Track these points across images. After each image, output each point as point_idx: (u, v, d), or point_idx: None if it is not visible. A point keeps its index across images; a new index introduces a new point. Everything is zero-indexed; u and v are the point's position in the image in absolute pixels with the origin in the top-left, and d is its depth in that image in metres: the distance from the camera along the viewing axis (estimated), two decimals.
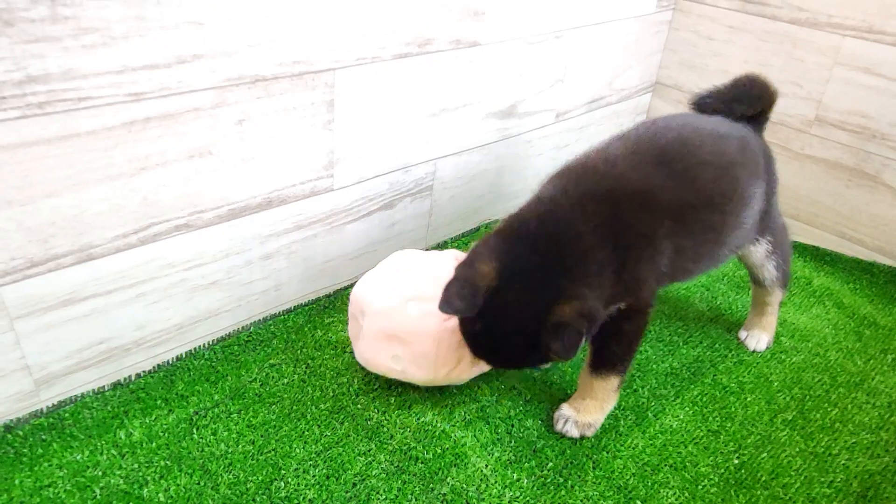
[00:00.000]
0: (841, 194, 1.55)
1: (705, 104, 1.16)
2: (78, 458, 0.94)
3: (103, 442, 0.96)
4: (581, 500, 0.94)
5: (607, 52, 1.60)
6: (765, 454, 1.04)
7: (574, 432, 1.03)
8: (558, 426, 1.05)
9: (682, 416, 1.10)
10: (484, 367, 1.07)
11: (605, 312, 0.94)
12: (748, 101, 1.14)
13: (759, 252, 1.18)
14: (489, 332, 0.92)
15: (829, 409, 1.13)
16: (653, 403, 1.12)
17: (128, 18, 0.82)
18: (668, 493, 0.97)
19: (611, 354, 1.02)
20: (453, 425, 1.04)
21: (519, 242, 0.93)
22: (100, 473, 0.92)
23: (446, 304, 0.88)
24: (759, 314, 1.27)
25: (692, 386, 1.16)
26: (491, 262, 0.90)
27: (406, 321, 1.00)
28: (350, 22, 1.06)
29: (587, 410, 1.04)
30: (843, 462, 1.03)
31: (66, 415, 0.99)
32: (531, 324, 0.88)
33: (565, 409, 1.06)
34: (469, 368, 1.05)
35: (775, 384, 1.18)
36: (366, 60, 1.11)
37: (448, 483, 0.95)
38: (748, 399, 1.14)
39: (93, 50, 0.81)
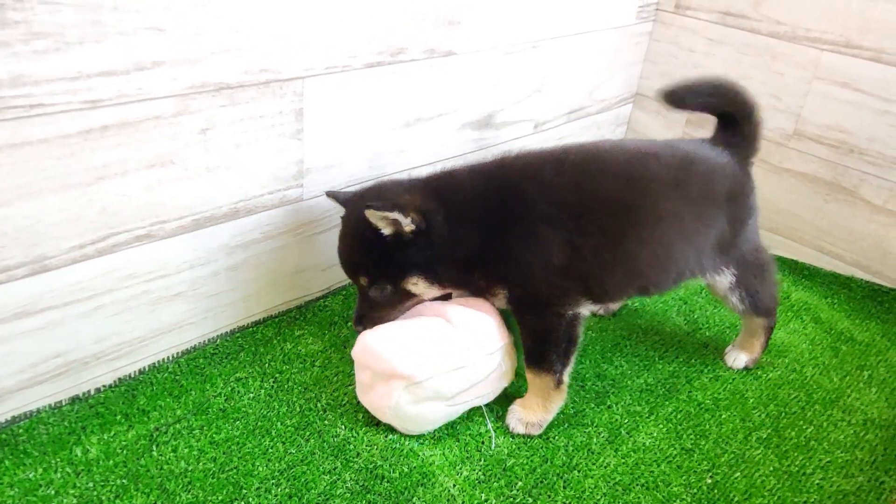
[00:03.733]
0: (819, 208, 1.54)
1: (676, 96, 1.16)
2: (31, 476, 0.91)
3: (58, 459, 0.93)
4: None
5: (586, 63, 1.59)
6: (738, 473, 1.02)
7: (519, 429, 1.05)
8: (506, 421, 1.07)
9: (655, 434, 1.08)
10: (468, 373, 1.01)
11: (503, 295, 1.05)
12: (718, 98, 1.15)
13: (722, 283, 1.15)
14: (345, 223, 1.09)
15: (804, 427, 1.12)
16: (626, 420, 1.10)
17: (83, 24, 0.79)
18: None
19: (527, 351, 1.06)
20: (422, 443, 1.02)
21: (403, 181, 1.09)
22: (52, 492, 0.89)
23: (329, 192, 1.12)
24: (746, 334, 1.25)
25: (667, 402, 1.15)
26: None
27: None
28: (319, 30, 1.04)
29: (531, 409, 1.05)
30: (817, 481, 1.02)
31: (21, 431, 0.96)
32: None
33: (514, 406, 1.07)
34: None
35: (751, 401, 1.17)
36: (336, 69, 1.09)
37: (414, 503, 0.93)
38: (723, 416, 1.13)
39: (45, 55, 0.78)
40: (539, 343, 1.04)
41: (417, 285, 1.03)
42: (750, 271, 1.16)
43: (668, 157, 1.09)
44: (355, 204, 1.05)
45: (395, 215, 0.95)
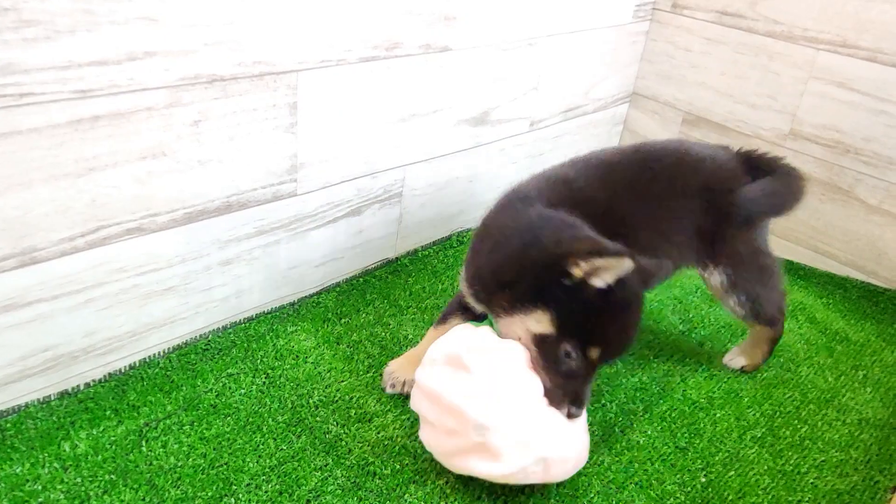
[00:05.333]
0: (815, 208, 1.54)
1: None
2: (17, 470, 0.89)
3: (46, 454, 0.92)
4: None
5: (583, 61, 1.59)
6: (732, 472, 1.02)
7: None
8: None
9: (649, 432, 1.07)
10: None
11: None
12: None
13: (714, 282, 1.13)
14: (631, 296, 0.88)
15: (798, 426, 1.11)
16: (620, 419, 1.09)
17: (74, 12, 0.78)
18: None
19: None
20: (414, 440, 1.01)
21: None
22: (39, 488, 0.88)
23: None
24: (749, 342, 1.23)
25: (661, 401, 1.14)
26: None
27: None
28: (314, 23, 1.03)
29: None
30: (811, 481, 1.01)
31: (8, 425, 0.95)
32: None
33: None
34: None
35: (745, 400, 1.16)
36: (331, 63, 1.08)
37: (406, 500, 0.92)
38: (717, 415, 1.12)
39: (35, 43, 0.77)
40: None
41: None
42: (749, 273, 1.12)
43: (629, 160, 1.10)
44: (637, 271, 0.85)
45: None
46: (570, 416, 0.88)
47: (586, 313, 0.85)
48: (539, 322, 0.87)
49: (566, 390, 0.87)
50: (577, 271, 0.84)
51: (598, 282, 0.84)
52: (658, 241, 1.06)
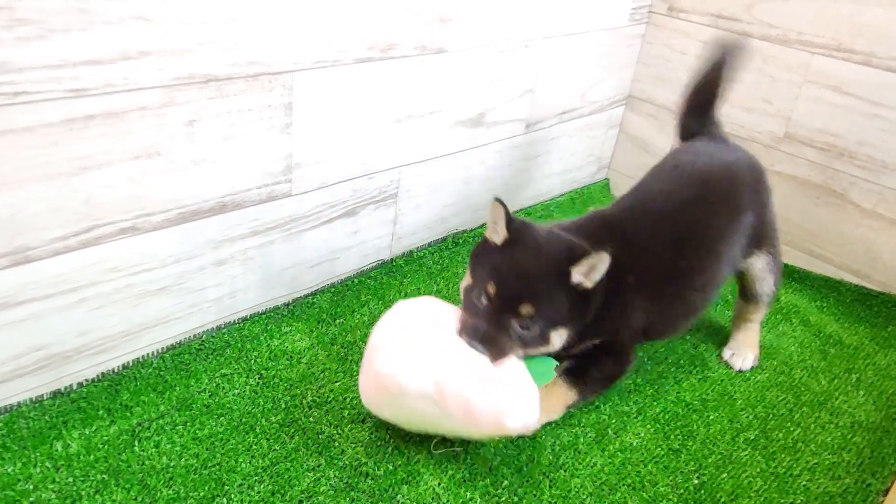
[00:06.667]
0: (809, 212, 1.55)
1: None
2: (9, 470, 0.89)
3: (38, 454, 0.92)
4: None
5: (579, 64, 1.59)
6: (725, 474, 1.02)
7: None
8: None
9: (643, 434, 1.07)
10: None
11: (583, 344, 1.04)
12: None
13: (759, 265, 1.20)
14: (532, 250, 0.98)
15: (791, 429, 1.12)
16: (614, 420, 1.09)
17: (68, 11, 0.78)
18: None
19: (586, 373, 1.06)
20: (407, 441, 1.01)
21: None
22: (31, 487, 0.87)
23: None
24: (743, 332, 1.26)
25: (655, 403, 1.14)
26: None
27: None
28: (309, 24, 1.03)
29: None
30: (803, 483, 1.02)
31: (0, 424, 0.95)
32: None
33: None
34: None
35: (739, 402, 1.16)
36: (326, 64, 1.08)
37: (398, 501, 0.92)
38: (711, 417, 1.12)
39: (29, 42, 0.77)
40: (602, 375, 1.09)
41: (561, 337, 0.98)
42: (777, 250, 1.22)
43: (691, 183, 1.13)
44: (555, 237, 0.99)
45: (603, 269, 0.93)
46: (466, 341, 0.93)
47: (492, 262, 0.96)
48: (466, 278, 1.00)
49: (469, 323, 0.94)
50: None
51: (496, 237, 0.97)
52: (723, 264, 1.13)
